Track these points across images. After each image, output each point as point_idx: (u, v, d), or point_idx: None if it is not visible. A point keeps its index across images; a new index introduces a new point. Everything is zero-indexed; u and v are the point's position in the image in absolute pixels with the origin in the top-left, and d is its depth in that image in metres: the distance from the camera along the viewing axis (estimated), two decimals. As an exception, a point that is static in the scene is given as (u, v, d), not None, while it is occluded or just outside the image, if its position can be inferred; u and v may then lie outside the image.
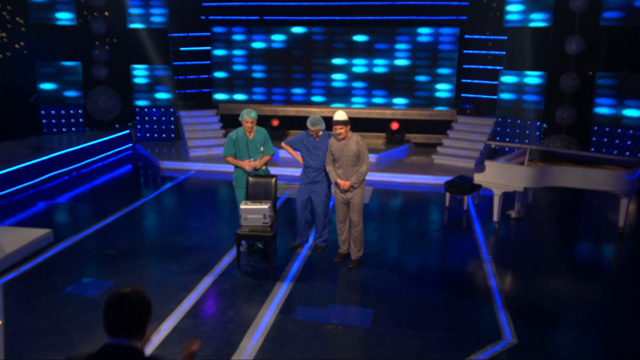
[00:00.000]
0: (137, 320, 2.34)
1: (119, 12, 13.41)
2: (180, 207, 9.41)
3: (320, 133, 6.80)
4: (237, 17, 14.29)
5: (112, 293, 2.35)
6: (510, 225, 8.43)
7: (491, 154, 12.28)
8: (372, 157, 11.77)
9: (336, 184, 6.52)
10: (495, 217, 8.22)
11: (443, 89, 13.36)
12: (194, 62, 14.49)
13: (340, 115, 6.37)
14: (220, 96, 14.29)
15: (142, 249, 7.26)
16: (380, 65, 13.55)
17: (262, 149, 6.91)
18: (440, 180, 10.54)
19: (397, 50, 13.43)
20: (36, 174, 10.45)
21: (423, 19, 13.33)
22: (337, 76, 13.80)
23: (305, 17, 13.84)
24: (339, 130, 6.36)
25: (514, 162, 8.20)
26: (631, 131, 11.00)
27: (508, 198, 8.65)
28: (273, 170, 9.12)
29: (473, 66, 13.50)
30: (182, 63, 14.29)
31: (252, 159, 6.83)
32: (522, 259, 7.22)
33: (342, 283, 6.29)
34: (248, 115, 6.74)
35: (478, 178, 8.27)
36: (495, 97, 12.83)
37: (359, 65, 13.64)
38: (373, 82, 13.65)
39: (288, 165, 11.02)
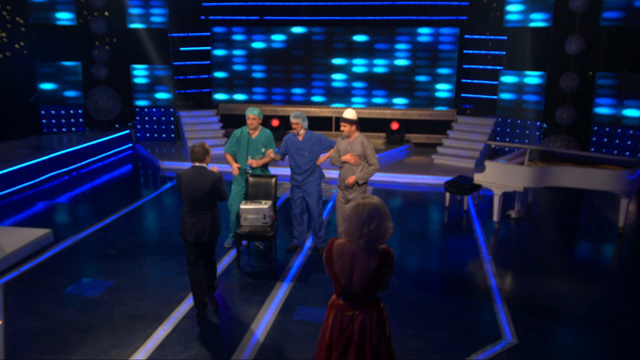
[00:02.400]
0: (204, 155, 5.41)
1: (119, 12, 13.41)
2: (180, 207, 9.39)
3: (302, 131, 6.83)
4: (237, 17, 14.29)
5: (191, 146, 5.44)
6: (510, 225, 8.43)
7: (491, 154, 12.28)
8: (372, 157, 11.77)
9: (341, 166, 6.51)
10: (495, 217, 8.22)
11: (443, 89, 13.36)
12: (194, 62, 14.49)
13: (346, 113, 6.40)
14: (220, 96, 14.29)
15: (142, 249, 7.26)
16: (380, 65, 13.55)
17: (263, 150, 6.93)
18: (440, 180, 10.54)
19: (397, 50, 13.43)
20: (36, 174, 10.46)
21: (423, 19, 13.34)
22: (337, 76, 13.80)
23: (305, 17, 13.84)
24: (342, 127, 6.42)
25: (514, 162, 8.20)
26: (631, 131, 11.00)
27: (508, 198, 8.65)
28: (273, 170, 9.11)
29: (473, 66, 13.50)
30: (182, 63, 14.29)
31: (249, 157, 6.85)
32: (522, 259, 7.22)
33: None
34: (250, 112, 6.82)
35: (478, 178, 8.27)
36: (495, 97, 12.83)
37: (359, 65, 13.64)
38: (373, 82, 13.66)
39: (288, 165, 11.00)
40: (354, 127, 6.41)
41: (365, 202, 3.20)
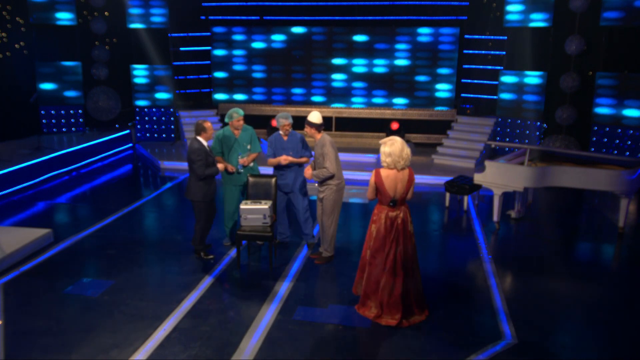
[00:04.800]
0: (199, 131, 6.50)
1: (119, 12, 13.41)
2: (180, 207, 9.41)
3: (289, 130, 6.91)
4: (237, 17, 14.29)
5: (196, 122, 6.60)
6: (510, 225, 8.43)
7: (491, 154, 12.28)
8: (372, 157, 11.77)
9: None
10: (495, 217, 8.22)
11: (443, 89, 13.36)
12: (194, 62, 14.49)
13: (309, 115, 6.53)
14: (220, 96, 14.29)
15: (142, 249, 7.26)
16: (380, 65, 13.55)
17: (249, 147, 6.98)
18: (440, 180, 10.54)
19: (397, 50, 13.43)
20: (36, 174, 10.46)
21: (423, 19, 13.33)
22: (337, 76, 13.80)
23: (305, 17, 13.84)
24: (305, 129, 6.57)
25: (514, 162, 8.20)
26: (631, 131, 11.00)
27: (508, 198, 8.65)
28: (272, 170, 9.10)
29: (473, 66, 13.50)
30: (182, 63, 14.29)
31: (240, 157, 6.90)
32: (522, 259, 7.22)
33: (342, 283, 6.28)
34: (239, 114, 6.87)
35: (478, 178, 8.26)
36: (495, 97, 12.83)
37: (359, 65, 13.64)
38: (373, 82, 13.66)
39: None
40: (313, 130, 6.48)
41: (394, 139, 5.20)
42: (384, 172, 5.22)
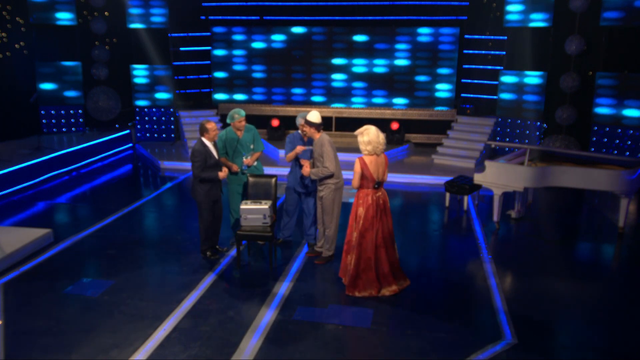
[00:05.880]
0: (201, 132, 6.44)
1: (119, 12, 13.41)
2: (180, 207, 9.41)
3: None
4: (237, 17, 14.29)
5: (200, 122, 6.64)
6: (510, 225, 8.43)
7: (491, 154, 12.28)
8: (372, 157, 11.77)
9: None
10: (495, 217, 8.22)
11: (443, 89, 13.36)
12: (194, 62, 14.49)
13: (309, 115, 6.52)
14: (220, 96, 14.29)
15: (142, 249, 7.26)
16: (380, 65, 13.55)
17: (252, 147, 7.00)
18: (440, 180, 10.54)
19: (397, 50, 13.43)
20: (36, 174, 10.46)
21: (423, 19, 13.33)
22: (337, 76, 13.80)
23: (305, 17, 13.84)
24: (305, 128, 6.58)
25: (514, 162, 8.20)
26: (631, 131, 11.00)
27: (508, 198, 8.65)
28: (273, 170, 9.13)
29: (473, 66, 13.50)
30: (182, 63, 14.29)
31: (244, 157, 6.93)
32: (522, 259, 7.22)
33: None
34: (240, 115, 6.86)
35: (478, 178, 8.26)
36: (495, 97, 12.83)
37: (359, 65, 13.64)
38: (373, 82, 13.65)
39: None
40: (313, 129, 6.48)
41: (368, 127, 5.74)
42: (367, 159, 5.76)
